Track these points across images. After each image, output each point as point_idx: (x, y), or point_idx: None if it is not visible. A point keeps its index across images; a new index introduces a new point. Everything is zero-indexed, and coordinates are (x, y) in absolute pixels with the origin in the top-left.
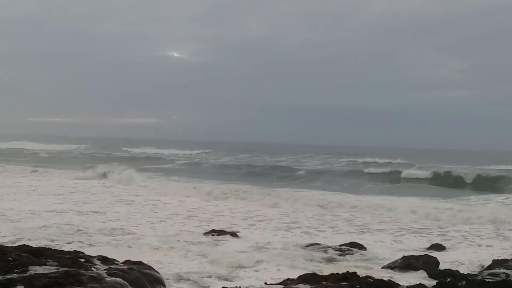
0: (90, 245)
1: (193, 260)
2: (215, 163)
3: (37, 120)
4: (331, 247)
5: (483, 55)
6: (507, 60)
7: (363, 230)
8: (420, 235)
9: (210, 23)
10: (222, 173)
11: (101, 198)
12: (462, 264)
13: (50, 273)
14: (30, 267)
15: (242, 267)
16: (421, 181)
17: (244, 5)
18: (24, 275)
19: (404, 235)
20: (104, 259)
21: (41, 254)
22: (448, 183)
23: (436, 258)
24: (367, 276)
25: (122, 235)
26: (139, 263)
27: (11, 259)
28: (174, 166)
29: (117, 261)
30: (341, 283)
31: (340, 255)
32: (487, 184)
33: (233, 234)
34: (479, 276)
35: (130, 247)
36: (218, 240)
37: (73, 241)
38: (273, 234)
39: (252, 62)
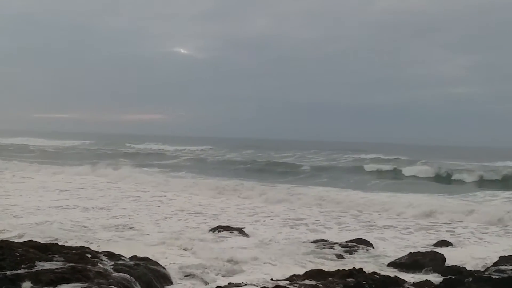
0: (96, 241)
1: (198, 256)
2: (220, 159)
3: (42, 116)
4: (337, 243)
5: (486, 52)
6: (509, 57)
7: (369, 227)
8: (427, 232)
9: (214, 20)
10: (227, 169)
11: (107, 194)
12: (469, 260)
13: (57, 268)
14: (37, 263)
15: (248, 263)
16: (426, 178)
17: (247, 3)
18: (31, 270)
19: (411, 231)
20: (111, 255)
21: (48, 250)
22: (453, 179)
23: (442, 254)
24: (373, 272)
25: (128, 231)
26: (146, 259)
27: (18, 254)
28: (179, 162)
29: (123, 257)
30: (347, 279)
31: (346, 251)
32: (493, 181)
33: (240, 230)
34: (485, 273)
35: (136, 243)
36: (224, 236)
37: (78, 237)
38: (279, 230)
39: (255, 59)
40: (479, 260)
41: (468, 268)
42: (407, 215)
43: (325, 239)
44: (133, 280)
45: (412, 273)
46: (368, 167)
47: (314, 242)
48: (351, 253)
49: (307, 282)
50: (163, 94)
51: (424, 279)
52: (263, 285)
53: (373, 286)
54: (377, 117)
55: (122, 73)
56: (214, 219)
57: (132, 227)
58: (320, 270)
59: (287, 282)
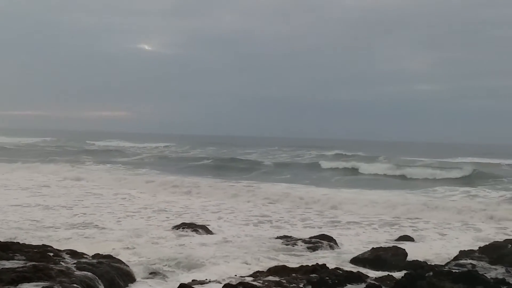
0: (58, 239)
1: (162, 253)
2: (182, 155)
3: (2, 114)
4: (301, 239)
5: (450, 50)
6: (474, 55)
7: (333, 223)
8: (390, 228)
9: (181, 16)
10: (189, 165)
11: (70, 192)
12: (430, 255)
13: (18, 267)
14: None
15: (212, 259)
16: (387, 174)
17: None
18: None
19: (374, 227)
20: (73, 253)
21: (9, 249)
22: (414, 175)
23: (404, 249)
24: (337, 268)
25: (91, 229)
26: (109, 256)
27: None
28: (141, 159)
29: (86, 255)
30: (311, 275)
31: (310, 247)
32: (452, 176)
33: (204, 228)
34: (446, 267)
35: (98, 241)
36: (188, 234)
37: (39, 236)
38: (243, 227)
39: (224, 55)
40: (439, 255)
41: (429, 263)
42: (370, 211)
43: (289, 235)
44: (96, 278)
45: (375, 268)
46: (331, 164)
47: (278, 238)
48: (314, 249)
49: (271, 278)
50: (128, 90)
51: (386, 274)
52: (227, 282)
53: (336, 281)
54: (346, 113)
55: (86, 69)
56: (177, 216)
57: (96, 226)
58: (284, 266)
59: (251, 278)
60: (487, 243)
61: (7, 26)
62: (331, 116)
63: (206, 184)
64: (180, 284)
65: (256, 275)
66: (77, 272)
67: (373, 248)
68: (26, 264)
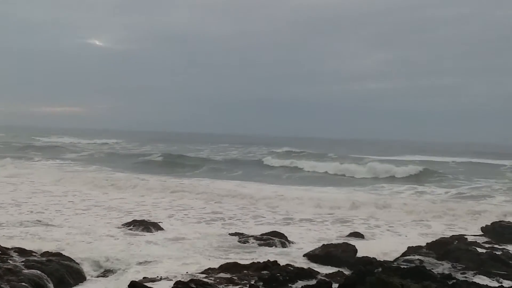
0: (6, 237)
1: (112, 251)
2: (130, 152)
3: None
4: (253, 236)
5: (401, 48)
6: (423, 54)
7: (286, 220)
8: (342, 225)
9: (132, 11)
10: (138, 162)
11: (18, 188)
12: (379, 251)
13: None
14: None
15: (163, 257)
16: (336, 171)
17: None
18: None
19: (326, 224)
20: (21, 251)
21: None
22: (362, 172)
23: (354, 246)
24: (288, 265)
25: (40, 226)
26: (58, 254)
27: None
28: (86, 156)
29: (35, 253)
30: (262, 272)
31: (261, 244)
32: (400, 175)
33: (155, 225)
34: (394, 263)
35: (48, 239)
36: (138, 231)
37: None
38: (195, 224)
39: (173, 51)
40: (389, 251)
41: (378, 259)
42: (321, 208)
43: (241, 232)
44: (45, 276)
45: (325, 264)
46: (281, 161)
47: (230, 235)
48: (266, 246)
49: (222, 275)
50: (79, 86)
51: (337, 270)
52: (178, 279)
53: (287, 278)
54: (294, 111)
55: (35, 64)
56: (128, 214)
57: (45, 223)
58: (235, 263)
59: (203, 275)
60: (435, 239)
61: None
62: (280, 113)
63: (157, 181)
64: (131, 282)
65: (207, 272)
66: (26, 271)
67: (324, 244)
68: None
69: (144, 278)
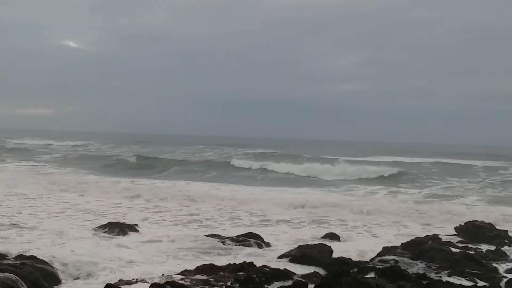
0: None
1: (88, 254)
2: (103, 154)
3: None
4: (229, 238)
5: (380, 49)
6: (401, 55)
7: (263, 221)
8: (318, 226)
9: (107, 13)
10: (110, 165)
11: None
12: (355, 252)
13: None
14: None
15: (139, 259)
16: (312, 172)
17: None
18: None
19: (303, 225)
20: None
21: None
22: (338, 173)
23: (330, 246)
24: (264, 266)
25: (12, 229)
26: (32, 257)
27: None
28: (60, 158)
29: (8, 256)
30: (238, 273)
31: (237, 245)
32: (375, 175)
33: (130, 227)
34: (370, 263)
35: (21, 242)
36: (114, 233)
37: None
38: (171, 226)
39: (151, 53)
40: (364, 251)
41: (354, 259)
42: (296, 210)
43: (217, 234)
44: (19, 280)
45: (301, 265)
46: (254, 163)
47: (206, 237)
48: (242, 247)
49: (198, 277)
50: (53, 88)
51: (313, 271)
52: (154, 281)
53: (263, 279)
54: (270, 112)
55: (7, 65)
56: (103, 216)
57: (19, 226)
58: (212, 265)
59: (179, 277)
60: (409, 239)
61: None
62: (257, 114)
63: (130, 183)
64: (106, 284)
65: (184, 273)
66: None
67: (300, 245)
68: None
69: (119, 280)
